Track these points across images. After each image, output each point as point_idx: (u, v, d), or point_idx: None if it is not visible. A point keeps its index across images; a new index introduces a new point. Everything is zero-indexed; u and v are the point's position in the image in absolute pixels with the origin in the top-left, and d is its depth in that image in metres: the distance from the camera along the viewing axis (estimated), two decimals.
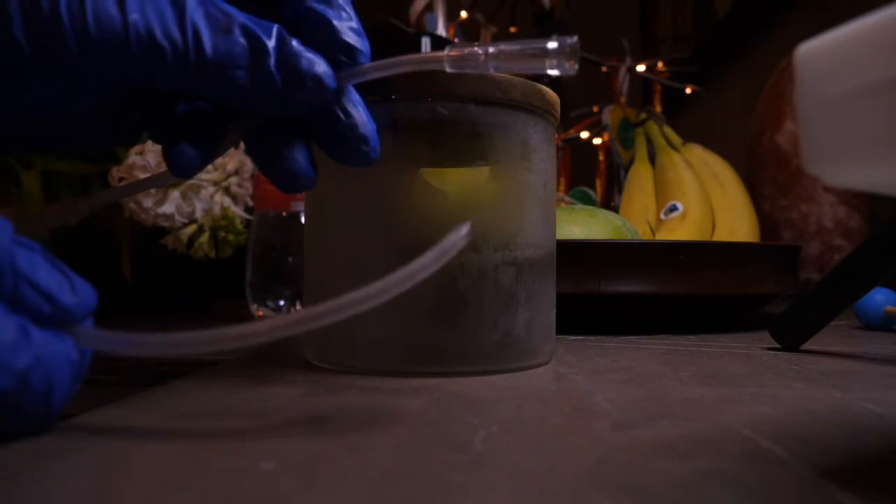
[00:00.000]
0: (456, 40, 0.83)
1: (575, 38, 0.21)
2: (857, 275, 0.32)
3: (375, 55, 0.24)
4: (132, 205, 0.59)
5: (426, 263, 0.18)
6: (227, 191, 0.62)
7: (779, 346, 0.35)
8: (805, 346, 0.35)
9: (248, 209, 0.63)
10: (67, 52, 0.20)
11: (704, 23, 1.55)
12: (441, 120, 0.27)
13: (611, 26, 1.37)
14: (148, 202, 0.58)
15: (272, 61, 0.21)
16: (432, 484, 0.14)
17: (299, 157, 0.23)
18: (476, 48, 0.22)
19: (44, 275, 0.17)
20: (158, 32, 0.20)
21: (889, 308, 0.44)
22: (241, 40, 0.21)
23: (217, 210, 0.61)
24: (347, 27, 0.23)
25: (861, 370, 0.29)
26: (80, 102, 0.23)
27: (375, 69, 0.23)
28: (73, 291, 0.17)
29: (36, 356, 0.16)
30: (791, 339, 0.35)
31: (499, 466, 0.16)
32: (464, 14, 0.92)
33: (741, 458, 0.16)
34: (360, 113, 0.23)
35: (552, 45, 0.21)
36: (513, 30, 1.05)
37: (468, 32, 0.92)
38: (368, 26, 0.24)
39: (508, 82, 0.27)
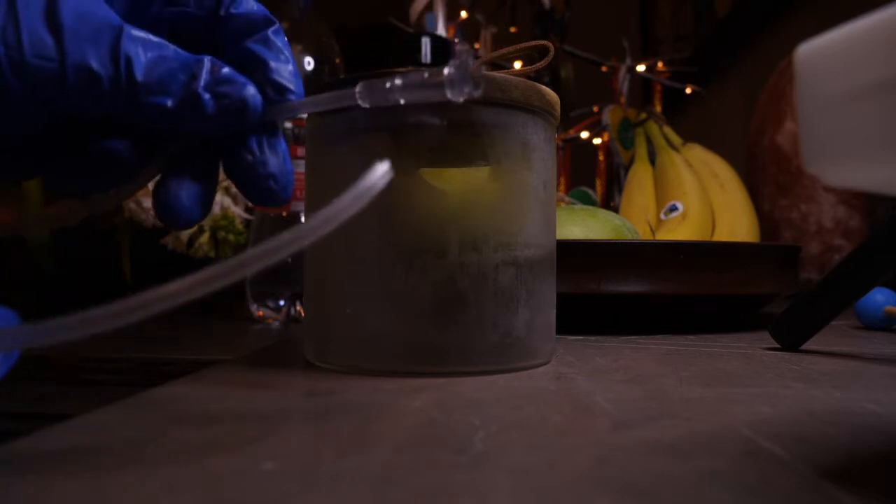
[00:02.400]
0: (456, 41, 0.83)
1: (470, 61, 0.22)
2: (857, 275, 0.32)
3: (376, 54, 0.24)
4: (132, 205, 0.59)
5: (346, 204, 0.18)
6: (227, 191, 0.62)
7: (779, 346, 0.35)
8: (805, 346, 0.35)
9: (248, 209, 0.63)
10: (5, 85, 0.20)
11: (704, 23, 1.55)
12: (438, 123, 0.27)
13: (611, 26, 1.37)
14: (148, 202, 0.58)
15: (201, 83, 0.22)
16: (432, 484, 0.14)
17: (183, 194, 0.24)
18: (386, 80, 0.23)
19: None
20: (94, 63, 0.21)
21: (889, 308, 0.44)
22: (174, 67, 0.22)
23: (217, 210, 0.61)
24: (284, 69, 0.24)
25: (861, 370, 0.29)
26: (7, 133, 0.24)
27: (299, 107, 0.24)
28: None
29: None
30: (791, 339, 0.35)
31: (499, 466, 0.16)
32: (464, 14, 0.92)
33: (741, 458, 0.16)
34: (276, 152, 0.24)
35: (448, 70, 0.22)
36: (513, 30, 1.05)
37: (469, 32, 0.92)
38: (369, 26, 0.24)
39: (508, 82, 0.27)
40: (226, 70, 0.23)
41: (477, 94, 0.22)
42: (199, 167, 0.25)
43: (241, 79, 0.23)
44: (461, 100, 0.22)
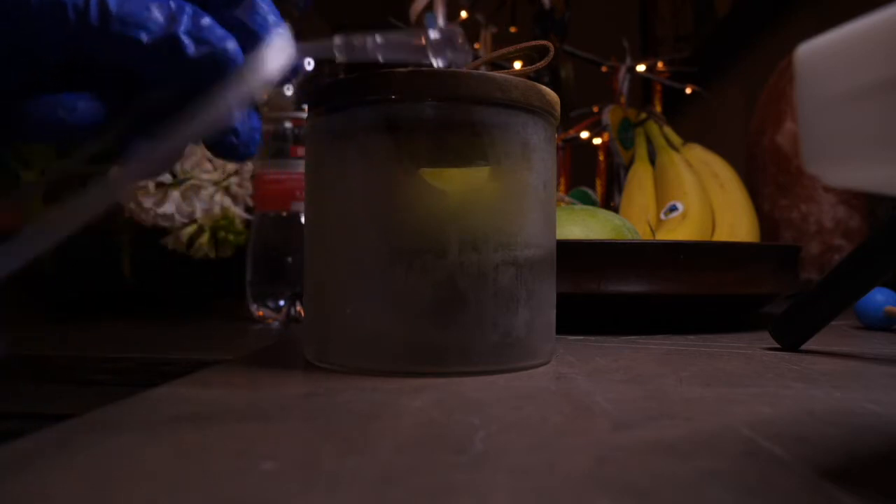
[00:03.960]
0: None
1: (455, 27, 0.21)
2: (857, 275, 0.32)
3: None
4: (132, 205, 0.59)
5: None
6: (227, 191, 0.62)
7: (779, 346, 0.35)
8: (805, 346, 0.35)
9: (248, 209, 0.63)
10: None
11: (704, 23, 1.55)
12: (440, 119, 0.27)
13: (611, 26, 1.37)
14: (148, 202, 0.58)
15: (181, 27, 0.21)
16: (432, 484, 0.14)
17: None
18: (366, 37, 0.22)
19: None
20: None
21: (889, 308, 0.44)
22: (152, 4, 0.21)
23: (217, 210, 0.61)
24: (275, 33, 0.23)
25: (861, 370, 0.29)
26: None
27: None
28: None
29: None
30: (791, 339, 0.35)
31: (499, 466, 0.16)
32: (464, 14, 0.92)
33: (741, 458, 0.16)
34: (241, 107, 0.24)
35: (433, 35, 0.21)
36: (513, 30, 1.05)
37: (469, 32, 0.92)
38: (369, 26, 0.24)
39: (508, 82, 0.27)
40: (207, 20, 0.22)
41: (460, 63, 0.22)
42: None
43: (223, 31, 0.22)
44: (443, 65, 0.22)
